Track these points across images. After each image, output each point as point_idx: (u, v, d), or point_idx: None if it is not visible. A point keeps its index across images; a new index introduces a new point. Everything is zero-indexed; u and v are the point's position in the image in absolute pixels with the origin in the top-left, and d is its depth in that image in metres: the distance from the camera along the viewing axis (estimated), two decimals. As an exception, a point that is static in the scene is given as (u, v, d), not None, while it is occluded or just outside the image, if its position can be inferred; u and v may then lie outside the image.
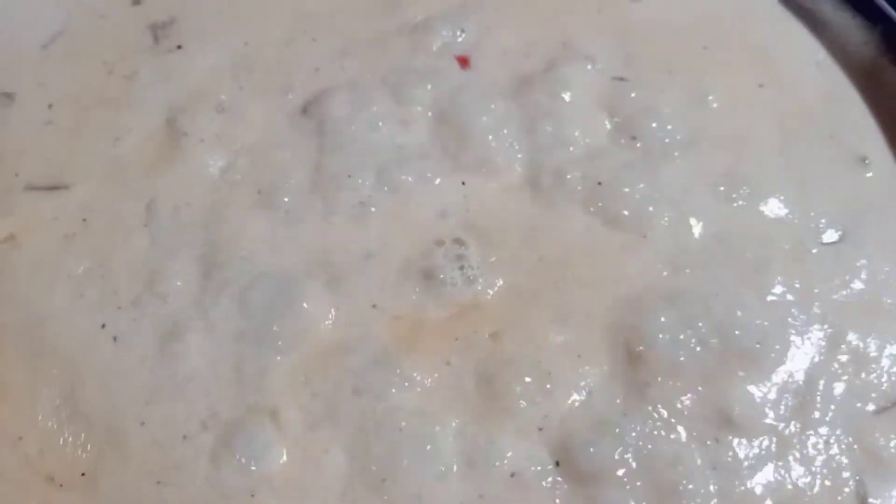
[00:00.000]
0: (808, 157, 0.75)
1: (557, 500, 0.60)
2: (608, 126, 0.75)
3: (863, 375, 0.65)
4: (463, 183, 0.72)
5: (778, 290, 0.68)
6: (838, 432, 0.63)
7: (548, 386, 0.63)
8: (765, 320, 0.66)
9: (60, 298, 0.67)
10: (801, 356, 0.66)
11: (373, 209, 0.70)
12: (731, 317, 0.66)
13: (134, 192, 0.72)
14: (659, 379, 0.63)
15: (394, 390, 0.63)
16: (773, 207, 0.72)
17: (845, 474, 0.62)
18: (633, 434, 0.62)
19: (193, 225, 0.70)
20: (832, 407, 0.64)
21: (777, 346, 0.66)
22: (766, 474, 0.61)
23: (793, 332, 0.66)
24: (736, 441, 0.62)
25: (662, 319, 0.65)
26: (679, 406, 0.63)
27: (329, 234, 0.69)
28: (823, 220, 0.72)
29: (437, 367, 0.64)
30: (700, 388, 0.63)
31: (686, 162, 0.74)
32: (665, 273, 0.68)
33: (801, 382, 0.65)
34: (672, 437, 0.62)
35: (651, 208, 0.71)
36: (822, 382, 0.65)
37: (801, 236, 0.71)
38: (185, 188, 0.72)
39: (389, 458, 0.61)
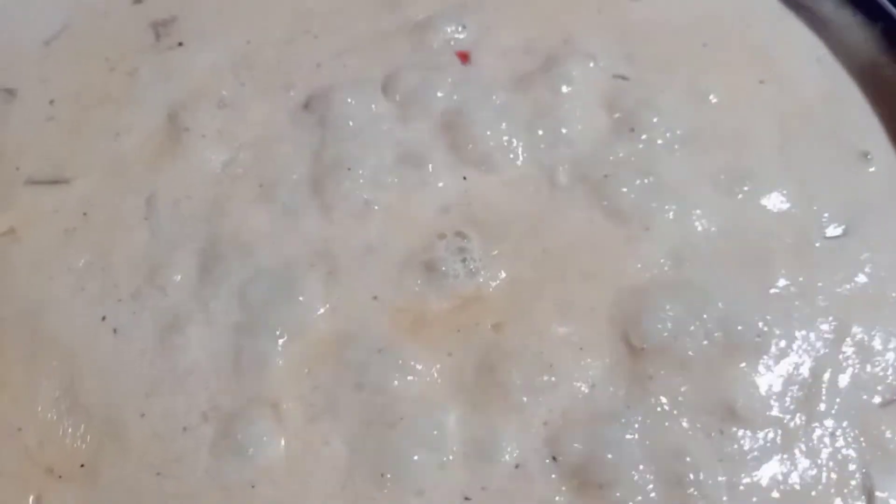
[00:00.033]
0: (810, 152, 0.75)
1: (562, 493, 0.59)
2: (609, 121, 0.75)
3: (868, 368, 0.65)
4: (464, 178, 0.72)
5: (781, 283, 0.68)
6: (844, 425, 0.63)
7: (550, 378, 0.63)
8: (768, 313, 0.66)
9: (60, 291, 0.67)
10: (805, 349, 0.65)
11: (374, 203, 0.70)
12: (733, 309, 0.66)
13: (135, 186, 0.72)
14: (662, 371, 0.63)
15: (395, 382, 0.62)
16: (776, 201, 0.72)
17: (851, 467, 0.61)
18: (637, 426, 0.61)
19: (194, 218, 0.70)
20: (838, 400, 0.64)
21: (781, 339, 0.65)
22: (773, 466, 0.61)
23: (797, 324, 0.66)
24: (741, 433, 0.62)
25: (665, 312, 0.65)
26: (682, 398, 0.62)
27: (330, 227, 0.69)
28: (826, 215, 0.72)
29: (439, 359, 0.64)
30: (703, 381, 0.63)
31: (688, 157, 0.74)
32: (668, 266, 0.68)
33: (805, 375, 0.64)
34: (676, 429, 0.61)
35: (653, 202, 0.70)
36: (827, 375, 0.64)
37: (804, 230, 0.71)
38: (185, 182, 0.71)
39: (391, 450, 0.60)
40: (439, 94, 0.75)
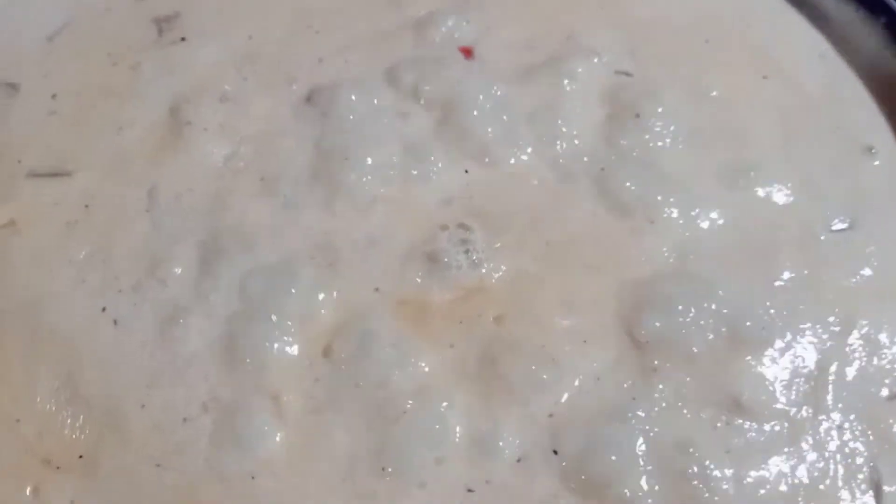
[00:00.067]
0: (814, 147, 0.75)
1: (565, 486, 0.59)
2: (612, 115, 0.75)
3: (875, 361, 0.65)
4: (466, 171, 0.71)
5: (786, 275, 0.68)
6: (851, 418, 0.62)
7: (554, 371, 0.62)
8: (773, 306, 0.66)
9: (61, 283, 0.67)
10: (811, 342, 0.65)
11: (376, 196, 0.70)
12: (738, 302, 0.65)
13: (136, 179, 0.71)
14: (668, 364, 0.63)
15: (397, 373, 0.62)
16: (780, 195, 0.72)
17: (859, 460, 0.61)
18: (642, 417, 0.61)
19: (195, 211, 0.70)
20: (844, 393, 0.63)
21: (786, 332, 0.65)
22: (780, 459, 0.60)
23: (802, 317, 0.66)
24: (747, 425, 0.61)
25: (670, 305, 0.65)
26: (687, 391, 0.62)
27: (331, 220, 0.69)
28: (831, 208, 0.71)
29: (441, 350, 0.63)
30: (709, 373, 0.63)
31: (691, 151, 0.73)
32: (672, 259, 0.68)
33: (811, 368, 0.64)
34: (682, 421, 0.61)
35: (657, 195, 0.70)
36: (833, 368, 0.64)
37: (809, 223, 0.70)
38: (187, 176, 0.71)
39: (392, 443, 0.60)
40: (441, 88, 0.75)
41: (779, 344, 0.64)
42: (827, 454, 0.61)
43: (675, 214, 0.69)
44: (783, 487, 0.59)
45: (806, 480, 0.60)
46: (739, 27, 0.82)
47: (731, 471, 0.59)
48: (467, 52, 0.78)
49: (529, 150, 0.72)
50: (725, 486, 0.59)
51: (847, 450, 0.61)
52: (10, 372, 0.63)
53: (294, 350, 0.63)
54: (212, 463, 0.59)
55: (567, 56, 0.78)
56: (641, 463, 0.59)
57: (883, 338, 0.65)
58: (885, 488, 0.60)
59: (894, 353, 0.65)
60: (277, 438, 0.60)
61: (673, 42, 0.81)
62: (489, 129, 0.73)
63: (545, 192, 0.71)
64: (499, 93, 0.75)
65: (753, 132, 0.75)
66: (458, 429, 0.60)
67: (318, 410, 0.61)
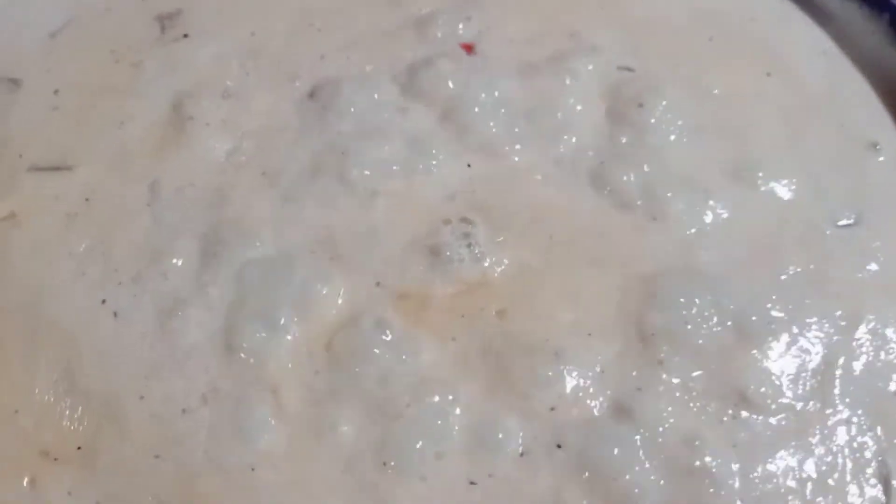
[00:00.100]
0: (818, 143, 0.74)
1: (569, 480, 0.58)
2: (615, 111, 0.75)
3: (882, 356, 0.64)
4: (469, 165, 0.71)
5: (792, 270, 0.67)
6: (859, 412, 0.62)
7: (557, 364, 0.62)
8: (779, 300, 0.65)
9: (61, 275, 0.66)
10: (817, 336, 0.64)
11: (378, 190, 0.70)
12: (744, 296, 0.65)
13: (138, 173, 0.71)
14: (674, 358, 0.62)
15: (398, 367, 0.61)
16: (785, 191, 0.71)
17: (867, 454, 0.60)
18: (647, 411, 0.60)
19: (197, 205, 0.69)
20: (851, 387, 0.62)
21: (792, 326, 0.64)
22: (787, 453, 0.60)
23: (808, 312, 0.65)
24: (753, 419, 0.60)
25: (675, 299, 0.64)
26: (692, 384, 0.61)
27: (333, 214, 0.69)
28: (837, 204, 0.71)
29: (443, 344, 0.63)
30: (715, 367, 0.62)
31: (695, 147, 0.73)
32: (677, 253, 0.67)
33: (818, 362, 0.63)
34: (687, 415, 0.60)
35: (661, 190, 0.70)
36: (840, 362, 0.63)
37: (814, 219, 0.70)
38: (189, 170, 0.71)
39: (393, 436, 0.59)
40: (443, 83, 0.75)
41: (785, 338, 0.64)
42: (835, 448, 0.60)
43: (679, 209, 0.69)
44: (790, 482, 0.59)
45: (814, 475, 0.59)
46: (742, 25, 0.82)
47: (737, 465, 0.58)
48: (469, 49, 0.78)
49: (532, 144, 0.72)
50: (731, 481, 0.58)
51: (855, 444, 0.60)
52: (8, 363, 0.63)
53: (294, 343, 0.63)
54: (211, 455, 0.59)
55: (569, 52, 0.78)
56: (646, 457, 0.58)
57: (890, 332, 0.65)
58: (895, 483, 0.59)
59: (902, 347, 0.64)
60: (277, 430, 0.60)
61: (675, 40, 0.81)
62: (491, 124, 0.73)
63: (548, 186, 0.70)
64: (501, 88, 0.75)
65: (757, 129, 0.75)
66: (461, 422, 0.60)
67: (318, 403, 0.61)
